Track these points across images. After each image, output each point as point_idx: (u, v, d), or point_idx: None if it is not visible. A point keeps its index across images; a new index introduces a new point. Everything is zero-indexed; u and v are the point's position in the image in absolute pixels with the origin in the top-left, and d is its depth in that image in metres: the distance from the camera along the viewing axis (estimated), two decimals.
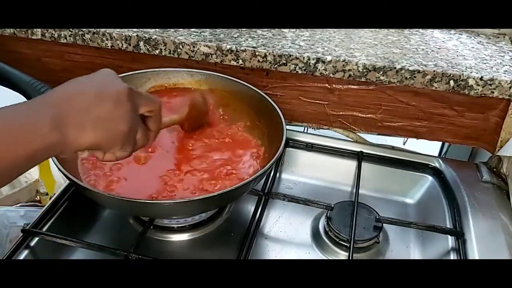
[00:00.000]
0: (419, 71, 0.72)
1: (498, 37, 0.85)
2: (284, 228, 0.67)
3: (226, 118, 0.73)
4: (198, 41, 0.76)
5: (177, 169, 0.63)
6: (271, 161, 0.57)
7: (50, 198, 0.77)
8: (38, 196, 1.15)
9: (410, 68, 0.72)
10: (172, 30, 0.79)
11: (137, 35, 0.77)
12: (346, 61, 0.73)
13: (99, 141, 0.43)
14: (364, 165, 0.75)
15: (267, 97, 0.69)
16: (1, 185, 0.38)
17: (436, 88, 0.73)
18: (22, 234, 0.60)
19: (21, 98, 0.64)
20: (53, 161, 0.55)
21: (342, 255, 0.63)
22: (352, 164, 0.77)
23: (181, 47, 0.77)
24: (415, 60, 0.74)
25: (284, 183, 0.76)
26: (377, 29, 0.85)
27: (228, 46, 0.75)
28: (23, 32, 0.82)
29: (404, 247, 0.66)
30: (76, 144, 0.42)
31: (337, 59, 0.73)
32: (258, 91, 0.71)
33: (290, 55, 0.74)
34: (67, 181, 0.66)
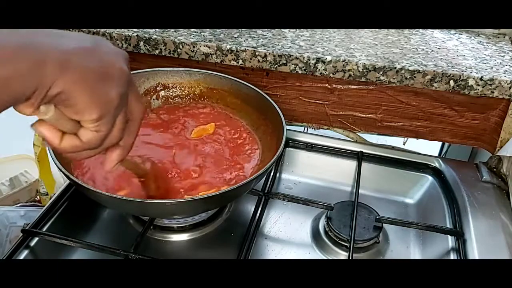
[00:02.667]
0: (419, 71, 0.72)
1: (498, 37, 0.85)
2: (284, 228, 0.67)
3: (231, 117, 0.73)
4: (198, 41, 0.76)
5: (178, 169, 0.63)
6: (271, 161, 0.57)
7: (50, 198, 0.77)
8: (38, 196, 1.16)
9: (410, 68, 0.72)
10: (172, 30, 0.79)
11: (137, 35, 0.77)
12: (346, 61, 0.73)
13: (76, 94, 0.35)
14: (364, 165, 0.75)
15: (267, 97, 0.69)
16: None
17: (436, 88, 0.73)
18: (22, 234, 0.60)
19: None
20: (53, 161, 0.55)
21: (342, 255, 0.63)
22: (352, 164, 0.77)
23: (181, 47, 0.77)
24: (415, 60, 0.74)
25: (284, 183, 0.76)
26: (377, 29, 0.85)
27: (228, 46, 0.75)
28: None
29: (404, 247, 0.66)
30: (49, 87, 0.34)
31: (337, 59, 0.73)
32: (258, 91, 0.71)
33: (290, 55, 0.74)
34: (67, 181, 0.66)
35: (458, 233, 0.63)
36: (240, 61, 0.76)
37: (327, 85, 0.78)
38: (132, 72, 0.73)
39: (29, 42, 0.33)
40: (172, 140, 0.68)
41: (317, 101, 0.80)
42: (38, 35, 0.35)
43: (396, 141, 0.88)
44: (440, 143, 1.02)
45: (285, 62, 0.75)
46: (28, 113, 0.36)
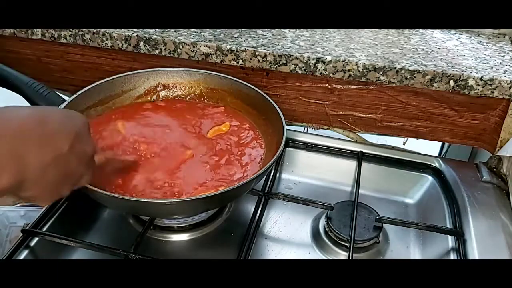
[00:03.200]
0: (419, 71, 0.72)
1: (498, 37, 0.85)
2: (284, 228, 0.67)
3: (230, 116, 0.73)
4: (198, 41, 0.76)
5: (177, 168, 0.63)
6: (271, 161, 0.57)
7: None
8: None
9: (410, 68, 0.72)
10: (172, 30, 0.79)
11: (137, 35, 0.77)
12: (346, 61, 0.73)
13: (38, 200, 0.42)
14: (364, 165, 0.75)
15: (267, 97, 0.69)
16: None
17: (436, 88, 0.73)
18: (22, 234, 0.60)
19: (20, 98, 0.64)
20: None
21: (342, 255, 0.63)
22: (352, 164, 0.77)
23: (181, 47, 0.77)
24: (415, 60, 0.74)
25: (284, 183, 0.76)
26: (377, 29, 0.85)
27: (228, 46, 0.75)
28: (23, 32, 0.82)
29: (404, 247, 0.66)
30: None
31: (337, 59, 0.73)
32: (258, 91, 0.71)
33: (290, 55, 0.74)
34: None
35: (458, 233, 0.63)
36: (240, 61, 0.76)
37: (327, 85, 0.78)
38: (132, 72, 0.73)
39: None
40: (187, 137, 0.67)
41: (317, 101, 0.80)
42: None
43: (396, 141, 0.88)
44: (440, 143, 1.02)
45: (285, 62, 0.75)
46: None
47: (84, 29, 0.79)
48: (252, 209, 0.65)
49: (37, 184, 0.40)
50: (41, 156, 0.39)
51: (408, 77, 0.72)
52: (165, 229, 0.65)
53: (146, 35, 0.77)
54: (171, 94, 0.76)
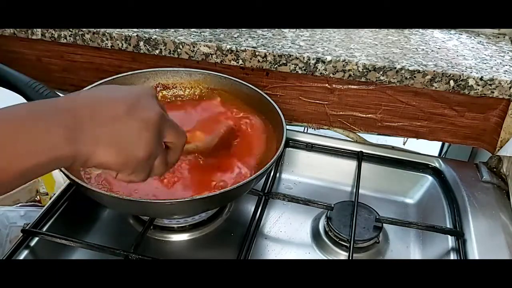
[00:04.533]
0: (419, 71, 0.72)
1: (498, 37, 0.85)
2: (284, 228, 0.67)
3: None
4: (198, 41, 0.76)
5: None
6: (271, 161, 0.57)
7: (50, 198, 0.77)
8: (38, 196, 1.15)
9: (410, 68, 0.72)
10: (172, 30, 0.79)
11: (137, 35, 0.77)
12: (346, 61, 0.73)
13: (111, 163, 0.39)
14: (364, 165, 0.75)
15: (267, 97, 0.69)
16: (1, 193, 0.35)
17: (436, 88, 0.73)
18: (22, 234, 0.60)
19: (20, 99, 0.64)
20: None
21: (342, 255, 0.63)
22: (352, 164, 0.77)
23: (181, 47, 0.77)
24: (415, 60, 0.74)
25: (284, 183, 0.76)
26: (377, 29, 0.85)
27: (228, 46, 0.75)
28: (23, 32, 0.82)
29: (404, 247, 0.66)
30: (86, 160, 0.38)
31: (337, 59, 0.73)
32: (258, 91, 0.71)
33: (290, 55, 0.74)
34: (67, 181, 0.66)
35: (458, 233, 0.63)
36: (240, 61, 0.76)
37: (327, 85, 0.78)
38: (132, 72, 0.73)
39: (67, 115, 0.37)
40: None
41: (317, 101, 0.80)
42: (77, 103, 0.38)
43: (396, 141, 0.88)
44: (440, 143, 1.02)
45: (285, 62, 0.75)
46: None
47: (84, 29, 0.79)
48: (252, 209, 0.65)
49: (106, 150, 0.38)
50: (98, 120, 0.38)
51: (408, 77, 0.72)
52: (165, 229, 0.65)
53: (146, 35, 0.77)
54: (171, 94, 0.76)
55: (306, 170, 0.78)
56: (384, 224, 0.65)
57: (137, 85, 0.43)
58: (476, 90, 0.72)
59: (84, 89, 0.39)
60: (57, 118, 0.36)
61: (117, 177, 0.42)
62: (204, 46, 0.76)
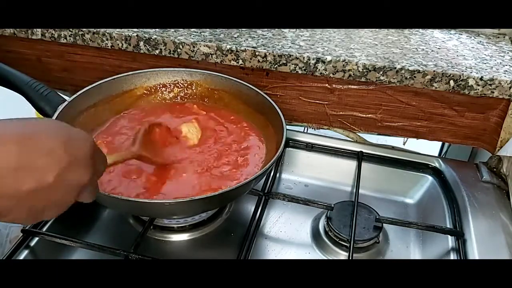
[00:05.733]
0: (419, 71, 0.72)
1: (498, 37, 0.85)
2: (284, 228, 0.67)
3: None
4: (198, 41, 0.76)
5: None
6: (271, 161, 0.57)
7: None
8: None
9: (410, 68, 0.72)
10: (172, 30, 0.79)
11: (137, 35, 0.77)
12: (346, 61, 0.73)
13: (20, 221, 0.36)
14: (364, 165, 0.75)
15: (267, 97, 0.69)
16: None
17: (436, 88, 0.73)
18: (22, 234, 0.60)
19: (20, 98, 0.64)
20: None
21: (342, 255, 0.63)
22: (352, 164, 0.77)
23: (181, 47, 0.77)
24: (415, 60, 0.74)
25: (284, 183, 0.76)
26: (377, 29, 0.85)
27: (228, 46, 0.75)
28: (23, 32, 0.82)
29: (404, 247, 0.66)
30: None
31: (337, 59, 0.73)
32: (258, 91, 0.71)
33: (290, 55, 0.74)
34: None
35: (458, 233, 0.63)
36: (240, 61, 0.76)
37: (327, 85, 0.78)
38: (132, 72, 0.73)
39: None
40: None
41: (317, 101, 0.80)
42: None
43: (396, 141, 0.88)
44: (440, 143, 1.02)
45: (285, 62, 0.75)
46: None
47: (84, 29, 0.79)
48: (252, 209, 0.65)
49: (12, 211, 0.35)
50: (17, 184, 0.34)
51: (408, 77, 0.72)
52: (165, 229, 0.65)
53: (146, 35, 0.77)
54: (171, 94, 0.76)
55: (306, 170, 0.78)
56: (384, 224, 0.65)
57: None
58: (476, 90, 0.72)
59: None
60: None
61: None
62: (204, 46, 0.76)
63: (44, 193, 0.35)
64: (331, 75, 0.74)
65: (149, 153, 0.59)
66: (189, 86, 0.76)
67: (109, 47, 0.80)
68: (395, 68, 0.72)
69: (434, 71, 0.71)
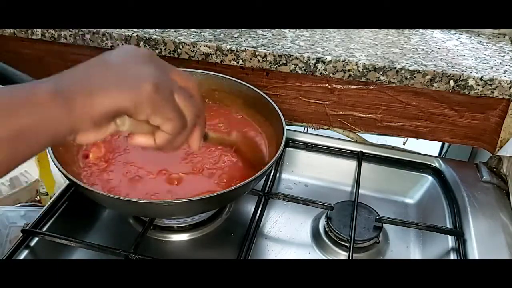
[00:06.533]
0: (419, 71, 0.72)
1: (498, 37, 0.85)
2: (284, 228, 0.67)
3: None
4: (198, 41, 0.76)
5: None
6: (271, 161, 0.57)
7: (50, 198, 0.77)
8: (38, 196, 1.15)
9: (410, 68, 0.72)
10: (172, 30, 0.79)
11: (137, 35, 0.77)
12: (346, 61, 0.73)
13: (118, 102, 0.36)
14: (364, 165, 0.75)
15: (267, 97, 0.69)
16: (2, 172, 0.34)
17: (436, 88, 0.73)
18: (22, 234, 0.60)
19: None
20: (53, 161, 0.55)
21: (342, 255, 0.63)
22: (352, 164, 0.77)
23: (181, 47, 0.77)
24: (415, 60, 0.74)
25: (284, 183, 0.76)
26: (377, 29, 0.85)
27: (228, 46, 0.75)
28: (23, 32, 0.82)
29: (404, 247, 0.66)
30: (90, 113, 0.36)
31: (337, 59, 0.73)
32: (258, 91, 0.71)
33: (290, 55, 0.74)
34: (67, 181, 0.66)
35: (458, 233, 0.63)
36: (240, 61, 0.76)
37: (327, 85, 0.78)
38: None
39: (59, 88, 0.35)
40: None
41: (317, 101, 0.80)
42: (64, 78, 0.37)
43: (396, 141, 0.88)
44: (440, 143, 1.02)
45: (285, 62, 0.75)
46: (93, 139, 0.39)
47: (84, 29, 0.79)
48: (252, 209, 0.65)
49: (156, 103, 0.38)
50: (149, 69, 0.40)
51: (408, 77, 0.72)
52: (165, 229, 0.65)
53: (146, 35, 0.77)
54: None
55: (306, 170, 0.78)
56: (384, 224, 0.65)
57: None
58: (476, 90, 0.72)
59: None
60: (44, 82, 0.36)
61: (157, 139, 0.40)
62: (204, 46, 0.76)
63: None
64: (331, 75, 0.74)
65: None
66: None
67: (109, 47, 0.80)
68: (395, 68, 0.72)
69: (434, 71, 0.71)
